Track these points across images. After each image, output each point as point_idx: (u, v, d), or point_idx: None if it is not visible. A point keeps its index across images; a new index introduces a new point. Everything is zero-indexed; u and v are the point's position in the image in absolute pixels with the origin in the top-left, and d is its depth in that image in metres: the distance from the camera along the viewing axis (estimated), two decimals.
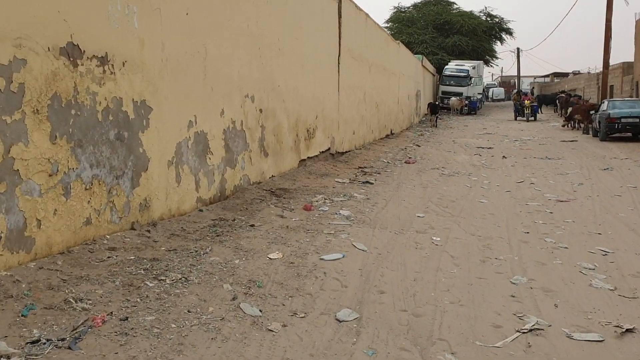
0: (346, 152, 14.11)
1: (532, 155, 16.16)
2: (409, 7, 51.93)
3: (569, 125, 27.63)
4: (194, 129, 6.37)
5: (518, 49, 68.67)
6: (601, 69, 32.93)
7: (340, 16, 13.02)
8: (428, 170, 12.27)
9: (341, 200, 7.85)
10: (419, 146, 18.46)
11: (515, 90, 49.34)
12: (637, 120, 18.94)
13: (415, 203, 8.18)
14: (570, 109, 28.30)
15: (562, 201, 8.83)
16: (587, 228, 7.03)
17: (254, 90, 8.10)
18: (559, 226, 7.12)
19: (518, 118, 33.42)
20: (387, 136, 20.80)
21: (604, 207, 8.29)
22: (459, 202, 8.49)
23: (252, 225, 5.94)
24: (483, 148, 18.26)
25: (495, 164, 13.80)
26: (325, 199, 7.76)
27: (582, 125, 26.37)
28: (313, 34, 10.97)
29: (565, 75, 60.07)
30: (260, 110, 8.37)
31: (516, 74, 76.33)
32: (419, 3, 51.73)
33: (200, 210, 6.38)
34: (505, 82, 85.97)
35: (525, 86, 75.81)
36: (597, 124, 21.31)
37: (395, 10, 51.51)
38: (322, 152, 11.97)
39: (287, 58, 9.51)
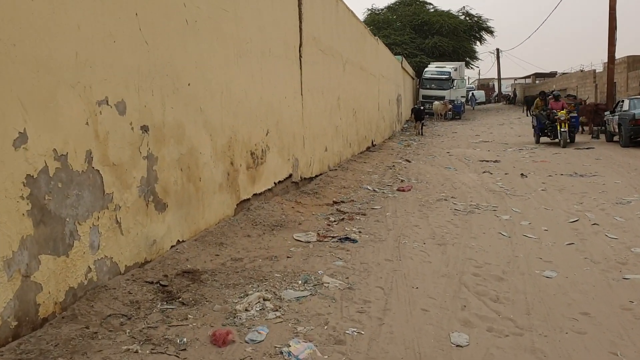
0: (316, 176, 10.32)
1: (554, 170, 12.57)
2: (382, 9, 48.87)
3: None
4: None
5: (498, 49, 66.04)
6: (595, 66, 29.92)
7: None
8: (433, 203, 8.51)
9: (297, 300, 4.02)
10: (410, 162, 14.76)
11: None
12: None
13: (437, 294, 4.35)
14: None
15: None
16: None
17: (125, 90, 4.26)
18: None
19: (542, 139, 19.42)
20: (367, 149, 17.09)
21: None
22: (511, 282, 4.73)
23: None
24: (488, 162, 14.66)
25: (518, 187, 10.14)
26: (264, 300, 3.91)
27: (585, 129, 23.13)
28: (256, 8, 7.18)
29: (550, 75, 57.32)
30: (144, 129, 4.53)
31: (495, 76, 73.69)
32: (392, 4, 48.62)
33: None
34: (484, 85, 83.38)
35: (505, 88, 73.09)
36: (616, 127, 17.91)
37: (369, 12, 48.31)
38: (280, 182, 8.16)
39: (206, 39, 5.70)
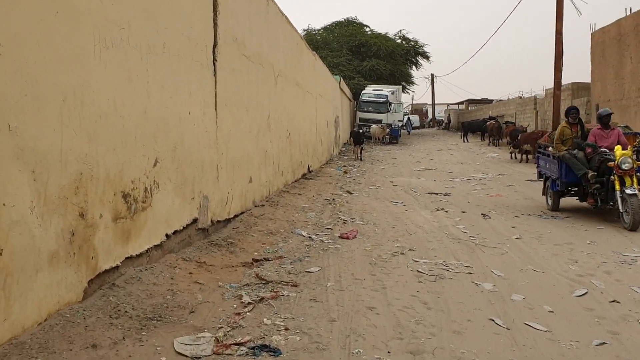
0: (235, 217, 7.98)
1: (516, 207, 10.88)
2: (319, 30, 47.69)
3: (514, 156, 23.43)
4: None
5: (432, 74, 66.28)
6: (535, 93, 29.49)
7: None
8: (388, 259, 6.36)
9: None
10: (351, 193, 12.68)
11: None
12: None
13: None
14: (512, 137, 24.30)
15: None
16: None
17: None
18: None
19: (557, 204, 10.20)
20: (303, 176, 14.89)
21: None
22: None
23: None
24: (437, 194, 12.86)
25: (486, 233, 8.22)
26: None
27: (530, 157, 22.11)
28: None
29: (483, 101, 57.79)
30: None
31: (428, 101, 73.92)
32: (329, 25, 47.50)
33: None
34: (418, 110, 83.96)
35: (438, 114, 73.47)
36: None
37: (306, 32, 46.75)
38: (177, 231, 5.77)
39: (30, 11, 3.33)
